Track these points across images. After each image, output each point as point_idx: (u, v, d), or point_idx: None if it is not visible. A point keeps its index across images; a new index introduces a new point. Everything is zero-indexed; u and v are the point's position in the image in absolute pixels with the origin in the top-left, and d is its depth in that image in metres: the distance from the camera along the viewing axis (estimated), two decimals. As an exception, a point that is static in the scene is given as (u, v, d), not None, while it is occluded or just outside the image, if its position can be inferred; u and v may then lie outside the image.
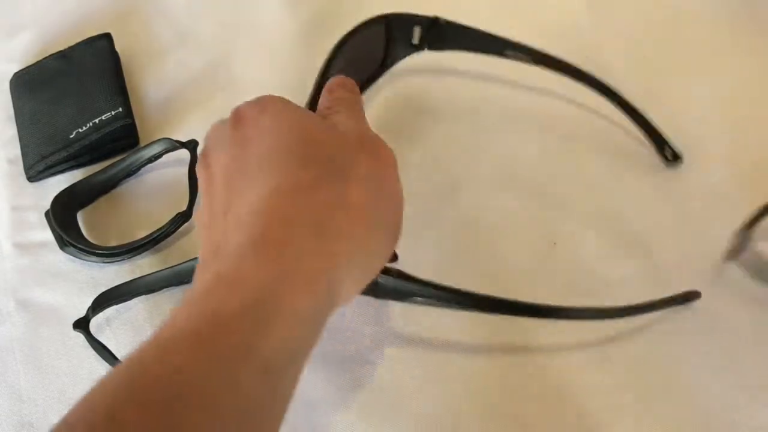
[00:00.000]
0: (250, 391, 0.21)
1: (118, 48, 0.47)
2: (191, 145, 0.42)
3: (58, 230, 0.40)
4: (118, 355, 0.36)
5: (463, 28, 0.41)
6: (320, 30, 0.47)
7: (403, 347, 0.36)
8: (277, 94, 0.30)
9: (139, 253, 0.40)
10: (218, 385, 0.20)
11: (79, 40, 0.47)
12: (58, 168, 0.43)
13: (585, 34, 0.46)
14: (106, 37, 0.46)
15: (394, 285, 0.32)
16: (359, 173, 0.27)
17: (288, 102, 0.30)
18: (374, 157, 0.29)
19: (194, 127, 0.44)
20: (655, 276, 0.37)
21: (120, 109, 0.43)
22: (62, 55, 0.46)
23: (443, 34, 0.42)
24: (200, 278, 0.25)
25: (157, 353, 0.21)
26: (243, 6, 0.49)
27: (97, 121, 0.43)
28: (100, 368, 0.37)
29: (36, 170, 0.43)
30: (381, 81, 0.44)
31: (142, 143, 0.44)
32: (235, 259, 0.24)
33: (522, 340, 0.36)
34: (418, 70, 0.45)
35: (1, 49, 0.49)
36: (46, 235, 0.40)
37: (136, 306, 0.39)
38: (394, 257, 0.33)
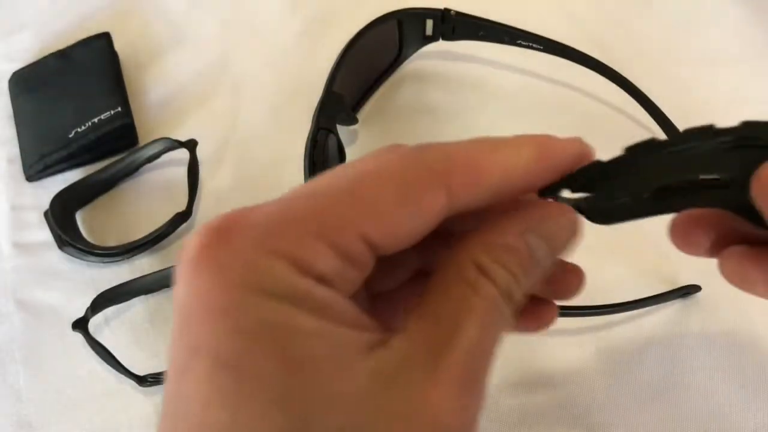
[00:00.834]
0: None
1: (117, 47, 0.47)
2: (190, 145, 0.41)
3: (57, 230, 0.39)
4: (116, 355, 0.36)
5: (473, 17, 0.42)
6: (321, 30, 0.47)
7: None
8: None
9: (138, 253, 0.40)
10: None
11: (78, 39, 0.46)
12: (57, 167, 0.43)
13: (596, 23, 0.46)
14: (106, 37, 0.46)
15: None
16: None
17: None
18: None
19: (193, 126, 0.44)
20: (656, 270, 0.37)
21: (119, 109, 0.43)
22: (61, 55, 0.46)
23: (455, 24, 0.42)
24: None
25: None
26: (243, 5, 0.49)
27: (96, 120, 0.43)
28: (99, 368, 0.37)
29: (35, 170, 0.43)
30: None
31: (141, 143, 0.44)
32: None
33: (521, 337, 0.36)
34: (421, 67, 0.45)
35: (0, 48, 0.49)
36: (45, 235, 0.40)
37: (135, 306, 0.38)
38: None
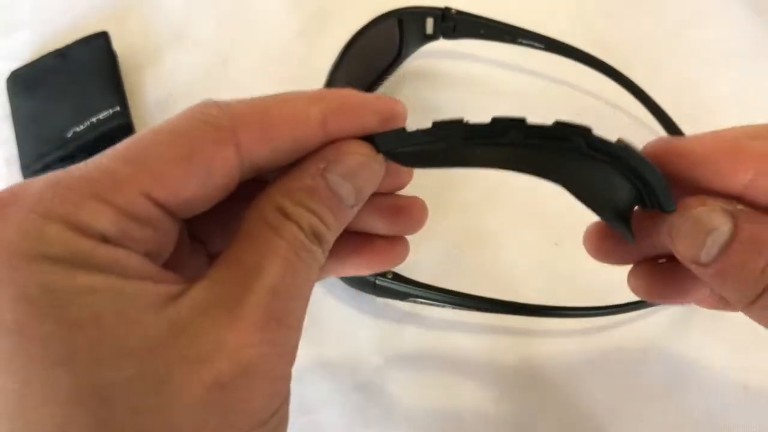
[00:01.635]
0: None
1: (115, 47, 0.46)
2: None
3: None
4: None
5: (474, 16, 0.42)
6: (320, 28, 0.47)
7: (403, 348, 0.36)
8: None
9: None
10: None
11: (76, 38, 0.46)
12: (55, 167, 0.42)
13: (597, 22, 0.46)
14: (104, 36, 0.46)
15: (390, 286, 0.33)
16: None
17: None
18: None
19: (192, 126, 0.44)
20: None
21: (117, 108, 0.43)
22: (59, 54, 0.46)
23: (455, 23, 0.42)
24: None
25: None
26: (242, 5, 0.49)
27: (94, 120, 0.43)
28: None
29: (33, 170, 0.43)
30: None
31: (140, 142, 0.44)
32: None
33: (523, 339, 0.36)
34: (421, 66, 0.45)
35: (-3, 48, 0.49)
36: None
37: None
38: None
